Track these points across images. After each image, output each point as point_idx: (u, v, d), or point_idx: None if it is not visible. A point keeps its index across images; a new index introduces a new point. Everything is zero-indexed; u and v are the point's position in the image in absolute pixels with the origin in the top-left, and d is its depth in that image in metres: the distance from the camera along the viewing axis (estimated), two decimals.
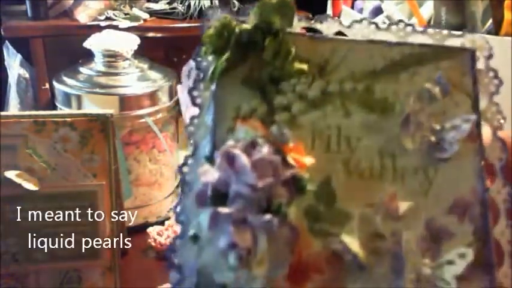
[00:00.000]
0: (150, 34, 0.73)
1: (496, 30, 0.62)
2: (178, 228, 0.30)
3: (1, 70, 0.76)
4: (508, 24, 0.60)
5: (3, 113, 0.46)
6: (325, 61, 0.32)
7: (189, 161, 0.31)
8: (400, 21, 0.33)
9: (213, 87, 0.31)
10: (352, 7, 0.92)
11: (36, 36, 0.71)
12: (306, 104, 0.31)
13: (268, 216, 0.27)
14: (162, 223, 0.62)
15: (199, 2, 0.75)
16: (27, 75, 0.75)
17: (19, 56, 0.75)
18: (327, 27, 0.33)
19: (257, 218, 0.27)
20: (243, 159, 0.27)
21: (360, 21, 0.32)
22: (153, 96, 0.61)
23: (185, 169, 0.31)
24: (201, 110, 0.31)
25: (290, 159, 0.29)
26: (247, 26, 0.31)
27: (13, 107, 0.75)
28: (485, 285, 0.30)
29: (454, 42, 0.33)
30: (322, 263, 0.29)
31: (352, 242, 0.29)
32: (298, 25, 0.32)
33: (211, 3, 0.75)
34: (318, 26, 0.33)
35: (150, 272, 0.57)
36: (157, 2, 0.79)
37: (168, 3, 0.77)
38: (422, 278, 0.29)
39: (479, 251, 0.30)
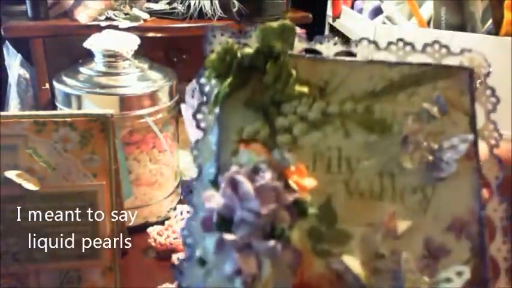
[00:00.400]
0: (150, 34, 0.73)
1: (496, 30, 0.62)
2: (185, 251, 0.31)
3: (1, 70, 0.76)
4: (508, 24, 0.60)
5: (3, 113, 0.46)
6: (325, 82, 0.32)
7: (195, 184, 0.31)
8: (400, 40, 0.33)
9: (216, 110, 0.31)
10: (352, 7, 0.92)
11: (36, 36, 0.71)
12: (307, 125, 0.31)
13: (272, 242, 0.28)
14: (162, 223, 0.62)
15: (199, 2, 0.75)
16: (27, 75, 0.75)
17: (19, 56, 0.74)
18: (327, 48, 0.33)
19: (261, 244, 0.28)
20: (247, 186, 0.28)
21: (360, 41, 0.33)
22: (153, 96, 0.61)
23: (191, 191, 0.31)
24: (205, 133, 0.32)
25: (292, 183, 0.29)
26: (249, 50, 0.31)
27: (13, 107, 0.75)
28: None
29: (453, 60, 0.33)
30: (324, 282, 0.30)
31: (353, 263, 0.30)
32: (298, 46, 0.32)
33: (211, 3, 0.75)
34: (318, 47, 0.33)
35: (150, 272, 0.57)
36: (157, 2, 0.79)
37: (168, 3, 0.77)
38: None
39: (475, 268, 0.30)
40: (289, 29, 0.31)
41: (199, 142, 0.32)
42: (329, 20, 0.98)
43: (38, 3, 0.71)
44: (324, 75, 0.32)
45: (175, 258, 0.57)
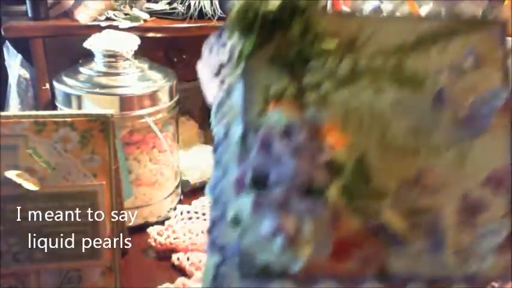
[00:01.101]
0: (150, 34, 0.73)
1: None
2: (215, 211, 0.30)
3: (1, 70, 0.76)
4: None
5: (3, 113, 0.46)
6: (354, 37, 0.31)
7: (223, 144, 0.30)
8: None
9: (240, 69, 0.30)
10: None
11: (36, 36, 0.71)
12: (336, 82, 0.30)
13: (310, 200, 0.27)
14: (162, 223, 0.62)
15: (199, 2, 0.75)
16: (27, 76, 0.75)
17: (19, 56, 0.74)
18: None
19: (300, 202, 0.27)
20: (282, 146, 0.27)
21: None
22: (153, 97, 0.61)
23: (219, 151, 0.30)
24: (229, 93, 0.31)
25: (326, 142, 0.28)
26: (272, 5, 0.29)
27: (13, 107, 0.75)
28: None
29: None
30: (362, 239, 0.29)
31: (391, 218, 0.29)
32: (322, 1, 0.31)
33: (211, 3, 0.75)
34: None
35: (150, 272, 0.57)
36: (157, 2, 0.79)
37: (168, 4, 0.77)
38: (460, 250, 0.29)
39: None
40: None
41: (222, 102, 0.31)
42: None
43: (38, 3, 0.71)
44: (352, 29, 0.31)
45: (175, 258, 0.57)
